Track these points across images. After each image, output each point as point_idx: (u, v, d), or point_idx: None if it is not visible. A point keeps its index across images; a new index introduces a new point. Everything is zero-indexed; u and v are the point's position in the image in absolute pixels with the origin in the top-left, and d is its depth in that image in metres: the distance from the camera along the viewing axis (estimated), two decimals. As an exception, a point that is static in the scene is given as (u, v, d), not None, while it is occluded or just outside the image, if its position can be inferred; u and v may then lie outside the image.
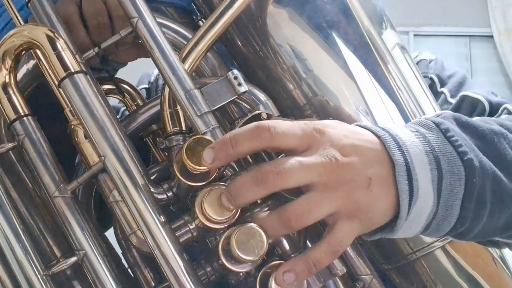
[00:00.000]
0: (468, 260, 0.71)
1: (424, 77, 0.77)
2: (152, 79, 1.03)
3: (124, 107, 0.88)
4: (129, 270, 0.68)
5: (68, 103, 0.62)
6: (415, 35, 4.53)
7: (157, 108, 0.74)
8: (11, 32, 0.61)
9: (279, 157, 0.56)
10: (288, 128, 0.54)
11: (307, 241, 0.66)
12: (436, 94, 0.88)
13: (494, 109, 0.83)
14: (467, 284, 0.72)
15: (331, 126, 0.56)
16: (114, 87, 0.79)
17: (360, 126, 0.59)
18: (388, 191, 0.55)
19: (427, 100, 0.74)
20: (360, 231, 0.56)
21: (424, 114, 0.72)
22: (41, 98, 0.68)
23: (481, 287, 0.72)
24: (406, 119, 0.70)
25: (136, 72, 1.04)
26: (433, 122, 0.59)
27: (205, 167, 0.54)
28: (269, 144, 0.54)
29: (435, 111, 0.74)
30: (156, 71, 1.04)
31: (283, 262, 0.56)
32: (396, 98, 0.72)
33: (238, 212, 0.56)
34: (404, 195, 0.55)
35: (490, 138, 0.60)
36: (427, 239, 0.70)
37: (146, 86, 1.02)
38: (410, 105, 0.72)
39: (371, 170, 0.55)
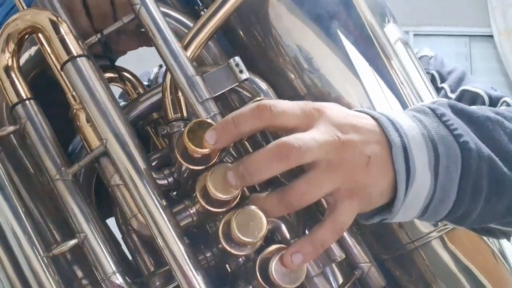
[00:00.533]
0: (467, 254, 0.72)
1: (426, 73, 0.78)
2: (152, 76, 1.03)
3: (124, 103, 0.88)
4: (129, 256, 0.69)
5: (70, 87, 0.62)
6: (415, 34, 4.54)
7: (158, 96, 0.74)
8: (15, 16, 0.61)
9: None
10: (288, 107, 0.55)
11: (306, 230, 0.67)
12: (437, 90, 0.88)
13: (493, 103, 0.84)
14: (465, 276, 0.72)
15: (330, 107, 0.57)
16: (115, 75, 0.79)
17: (357, 110, 0.60)
18: (386, 171, 0.56)
19: (430, 96, 0.75)
20: (360, 210, 0.56)
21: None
22: (43, 84, 0.68)
23: (478, 280, 0.73)
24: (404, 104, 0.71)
25: (136, 71, 1.04)
26: (429, 108, 0.60)
27: (206, 150, 0.55)
28: (270, 123, 0.54)
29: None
30: (155, 69, 1.05)
31: (282, 245, 0.57)
32: (397, 89, 0.72)
33: (239, 195, 0.56)
34: (401, 176, 0.56)
35: (485, 124, 0.61)
36: (426, 229, 0.70)
37: (146, 83, 1.02)
38: (412, 99, 0.72)
39: (370, 149, 0.55)
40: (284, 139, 0.53)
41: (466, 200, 0.58)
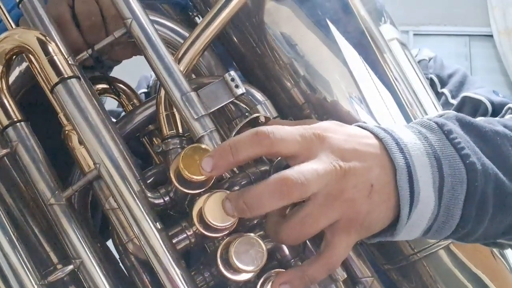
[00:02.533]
0: (467, 255, 0.71)
1: (425, 78, 0.76)
2: (151, 82, 1.01)
3: (123, 111, 0.87)
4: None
5: (61, 108, 0.60)
6: (414, 34, 4.52)
7: (154, 108, 0.72)
8: (1, 36, 0.59)
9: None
10: (287, 133, 0.53)
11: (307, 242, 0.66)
12: (437, 95, 0.86)
13: (497, 109, 0.82)
14: (468, 281, 0.71)
15: (331, 130, 0.55)
16: (109, 86, 0.78)
17: (361, 127, 0.58)
18: (388, 196, 0.54)
19: (424, 90, 0.73)
20: (358, 239, 0.55)
21: (421, 105, 0.71)
22: (37, 99, 0.66)
23: (482, 283, 0.72)
24: (404, 112, 0.69)
25: (134, 74, 1.03)
26: (436, 123, 0.58)
27: (202, 177, 0.53)
28: (269, 150, 0.53)
29: (433, 103, 0.73)
30: (154, 74, 1.03)
31: (282, 270, 0.56)
32: (395, 92, 0.70)
33: (237, 221, 0.55)
34: (405, 200, 0.54)
35: (493, 140, 0.59)
36: (428, 240, 0.69)
37: (146, 90, 1.01)
38: (407, 97, 0.71)
39: (373, 176, 0.54)
40: (286, 174, 0.51)
41: (471, 219, 0.56)
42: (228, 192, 0.54)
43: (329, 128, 0.55)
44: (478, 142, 0.58)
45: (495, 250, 0.73)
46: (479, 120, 0.61)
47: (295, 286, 0.54)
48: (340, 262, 0.55)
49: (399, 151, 0.55)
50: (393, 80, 0.71)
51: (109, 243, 0.68)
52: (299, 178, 0.50)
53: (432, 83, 0.89)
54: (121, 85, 0.80)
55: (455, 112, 0.62)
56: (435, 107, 0.73)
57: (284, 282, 0.54)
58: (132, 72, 1.01)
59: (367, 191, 0.53)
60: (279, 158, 0.59)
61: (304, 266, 0.54)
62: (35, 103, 0.67)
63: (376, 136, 0.56)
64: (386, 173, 0.54)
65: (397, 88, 0.71)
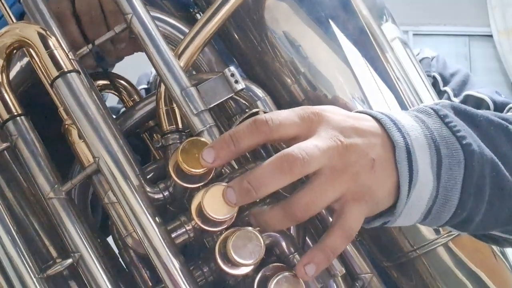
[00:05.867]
0: (468, 255, 0.71)
1: (427, 76, 0.76)
2: (151, 79, 1.02)
3: (124, 108, 0.87)
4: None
5: (61, 102, 0.60)
6: (414, 34, 4.52)
7: (154, 104, 0.72)
8: (2, 30, 0.60)
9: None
10: (285, 117, 0.53)
11: (306, 238, 0.66)
12: (439, 93, 0.87)
13: (498, 109, 0.82)
14: (468, 279, 0.71)
15: (329, 111, 0.56)
16: (110, 82, 0.78)
17: (359, 111, 0.59)
18: (390, 172, 0.55)
19: (428, 93, 0.73)
20: (367, 213, 0.55)
21: (423, 103, 0.71)
22: (39, 94, 0.67)
23: (482, 281, 0.72)
24: (405, 109, 0.69)
25: (135, 69, 1.03)
26: (432, 109, 0.59)
27: (201, 170, 0.53)
28: (269, 137, 0.53)
29: (434, 102, 0.73)
30: (154, 70, 1.03)
31: (281, 265, 0.56)
32: (396, 90, 0.70)
33: (236, 213, 0.55)
34: (404, 177, 0.54)
35: (487, 128, 0.60)
36: (428, 237, 0.69)
37: (146, 86, 1.01)
38: (409, 96, 0.71)
39: (374, 151, 0.54)
40: (287, 151, 0.51)
41: (469, 202, 0.56)
42: (226, 183, 0.54)
43: (327, 108, 0.56)
44: (472, 129, 0.58)
45: (495, 249, 0.73)
46: (474, 110, 0.61)
47: (319, 262, 0.53)
48: (356, 231, 0.54)
49: (397, 130, 0.55)
50: (395, 78, 0.71)
51: (109, 239, 0.69)
52: (299, 153, 0.50)
53: (434, 81, 0.89)
54: (121, 81, 0.80)
55: (450, 102, 0.63)
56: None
57: (307, 262, 0.53)
58: (132, 68, 1.01)
59: (370, 165, 0.53)
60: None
61: (321, 241, 0.54)
62: (36, 98, 0.67)
63: (374, 117, 0.57)
64: (386, 150, 0.55)
65: (399, 86, 0.71)
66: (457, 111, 0.60)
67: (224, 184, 0.53)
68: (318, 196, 0.52)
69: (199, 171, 0.53)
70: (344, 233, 0.54)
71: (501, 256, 0.74)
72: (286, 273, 0.55)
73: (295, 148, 0.51)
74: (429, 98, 0.73)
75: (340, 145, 0.52)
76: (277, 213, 0.53)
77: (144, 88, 1.00)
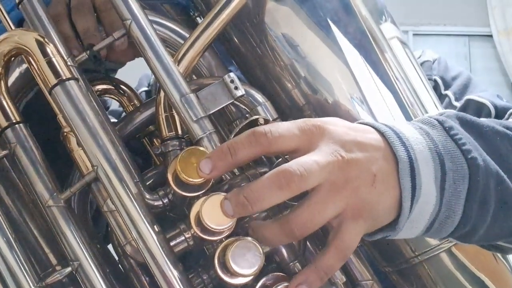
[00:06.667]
0: (469, 259, 0.70)
1: (428, 79, 0.75)
2: (152, 81, 1.01)
3: (124, 112, 0.87)
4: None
5: (59, 110, 0.60)
6: (414, 34, 4.52)
7: (154, 109, 0.72)
8: (0, 37, 0.59)
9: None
10: (285, 129, 0.53)
11: (307, 243, 0.65)
12: (440, 97, 0.86)
13: (500, 113, 0.81)
14: (470, 283, 0.71)
15: (331, 123, 0.55)
16: (110, 86, 0.77)
17: (362, 123, 0.58)
18: (391, 186, 0.54)
19: (425, 90, 0.73)
20: (366, 230, 0.54)
21: (423, 104, 0.71)
22: (38, 100, 0.66)
23: (484, 285, 0.71)
24: (405, 111, 0.69)
25: (135, 71, 1.02)
26: (437, 120, 0.58)
27: (200, 179, 0.53)
28: (267, 149, 0.52)
29: (434, 103, 0.72)
30: None
31: (281, 274, 0.56)
32: (396, 92, 0.70)
33: (235, 223, 0.54)
34: (407, 192, 0.54)
35: (493, 139, 0.59)
36: (430, 242, 0.68)
37: (147, 88, 1.00)
38: (408, 96, 0.70)
39: (375, 166, 0.53)
40: (285, 166, 0.51)
41: (473, 216, 0.56)
42: (225, 194, 0.53)
43: (329, 121, 0.55)
44: (477, 140, 0.58)
45: (500, 256, 0.72)
46: (480, 119, 0.61)
47: (312, 283, 0.53)
48: (352, 250, 0.53)
49: (401, 144, 0.54)
50: (394, 79, 0.70)
51: (110, 246, 0.68)
52: (297, 169, 0.50)
53: (435, 85, 0.88)
54: (122, 86, 0.79)
55: (455, 111, 0.62)
56: (436, 106, 0.73)
57: (299, 283, 0.53)
58: (132, 72, 1.00)
59: (371, 180, 0.52)
60: (279, 159, 0.59)
61: (316, 260, 0.53)
62: (35, 105, 0.67)
63: (378, 130, 0.56)
64: (389, 164, 0.54)
65: (398, 87, 0.70)
66: (463, 122, 0.59)
67: (223, 194, 0.53)
68: (316, 213, 0.51)
69: (198, 180, 0.53)
70: (340, 254, 0.53)
71: (503, 261, 0.73)
72: (286, 284, 0.55)
73: (293, 164, 0.51)
74: (428, 98, 0.73)
75: (340, 160, 0.52)
76: (275, 229, 0.53)
77: (145, 91, 1.00)
